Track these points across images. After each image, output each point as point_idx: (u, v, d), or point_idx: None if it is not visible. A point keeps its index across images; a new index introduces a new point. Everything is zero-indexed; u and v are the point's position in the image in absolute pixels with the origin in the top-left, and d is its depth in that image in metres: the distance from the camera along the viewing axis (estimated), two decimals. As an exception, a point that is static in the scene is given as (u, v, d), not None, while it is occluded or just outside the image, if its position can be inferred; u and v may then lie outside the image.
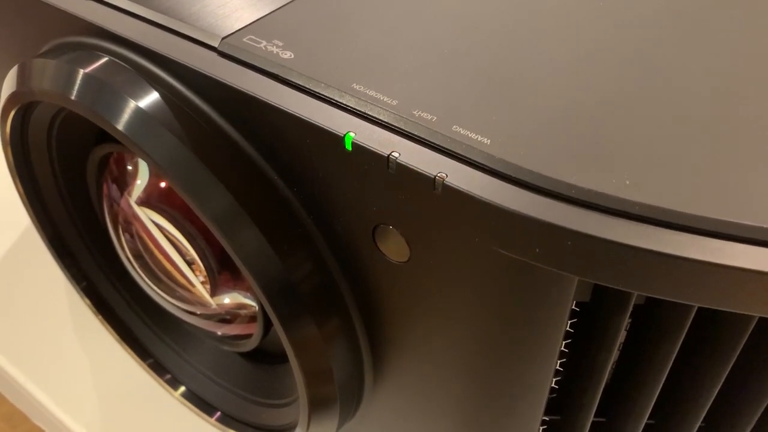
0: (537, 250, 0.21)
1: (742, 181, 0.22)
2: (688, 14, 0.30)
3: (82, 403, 0.44)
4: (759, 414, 0.26)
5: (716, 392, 0.26)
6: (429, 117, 0.24)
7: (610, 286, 0.22)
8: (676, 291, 0.21)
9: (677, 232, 0.20)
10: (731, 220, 0.21)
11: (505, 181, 0.22)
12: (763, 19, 0.30)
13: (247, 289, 0.35)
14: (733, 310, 0.22)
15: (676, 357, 0.25)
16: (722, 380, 0.25)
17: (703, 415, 0.27)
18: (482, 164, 0.22)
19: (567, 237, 0.21)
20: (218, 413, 0.40)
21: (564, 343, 0.27)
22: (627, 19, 0.29)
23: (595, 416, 0.28)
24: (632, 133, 0.23)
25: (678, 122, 0.24)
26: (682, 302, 0.22)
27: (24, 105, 0.33)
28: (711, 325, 0.25)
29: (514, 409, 0.28)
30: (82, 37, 0.31)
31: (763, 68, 0.27)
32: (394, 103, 0.24)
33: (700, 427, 0.28)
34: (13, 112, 0.33)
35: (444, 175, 0.22)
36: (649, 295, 0.22)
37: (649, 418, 0.28)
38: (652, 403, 0.26)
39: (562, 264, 0.21)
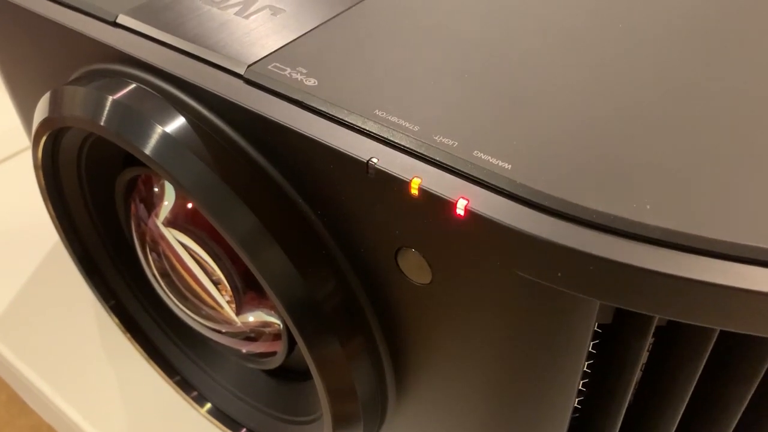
0: (559, 274, 0.22)
1: (764, 205, 0.22)
2: (708, 33, 0.30)
3: (110, 418, 0.45)
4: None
5: (740, 413, 0.26)
6: (450, 142, 0.24)
7: (632, 309, 0.22)
8: (697, 315, 0.21)
9: (697, 257, 0.21)
10: (753, 244, 0.21)
11: (527, 206, 0.22)
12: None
13: (271, 308, 0.35)
14: (754, 334, 0.22)
15: (699, 378, 0.25)
16: (746, 401, 0.25)
17: (727, 436, 0.27)
18: (503, 189, 0.22)
19: (589, 262, 0.21)
20: (243, 430, 0.40)
21: (586, 363, 0.27)
22: (645, 40, 0.30)
23: (618, 436, 0.28)
24: (652, 158, 0.23)
25: (698, 146, 0.24)
26: (704, 325, 0.22)
27: (55, 130, 0.34)
28: (734, 346, 0.25)
29: (537, 428, 0.28)
30: (110, 65, 0.31)
31: (784, 88, 0.27)
32: (416, 128, 0.25)
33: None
34: (44, 138, 0.34)
35: (466, 199, 0.22)
36: (670, 319, 0.22)
37: (672, 439, 0.28)
38: (676, 425, 0.26)
39: (584, 288, 0.22)
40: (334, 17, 0.31)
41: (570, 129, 0.25)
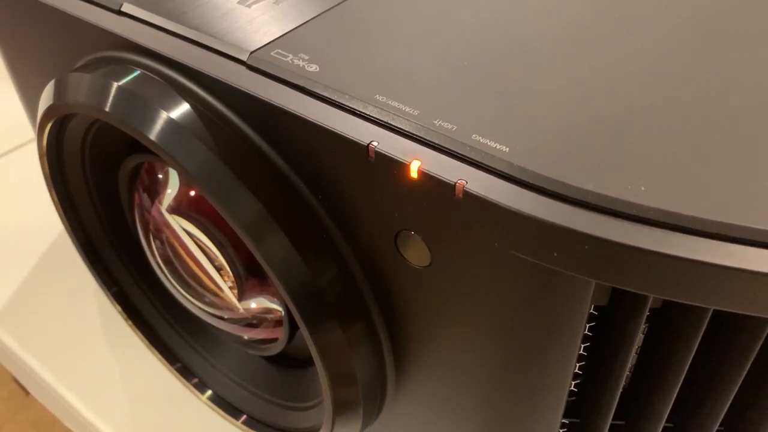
0: (555, 255, 0.22)
1: (757, 186, 0.23)
2: (707, 24, 0.31)
3: (112, 406, 0.45)
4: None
5: (733, 395, 0.26)
6: (449, 126, 0.24)
7: (627, 289, 0.22)
8: (691, 294, 0.22)
9: (691, 236, 0.21)
10: (745, 224, 0.21)
11: (524, 188, 0.22)
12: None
13: (273, 294, 0.36)
14: (748, 313, 0.22)
15: (694, 360, 0.25)
16: (739, 383, 0.25)
17: (720, 418, 0.27)
18: (501, 171, 0.23)
19: (584, 241, 0.21)
20: (244, 416, 0.41)
21: (582, 346, 0.28)
22: (644, 29, 0.30)
23: (613, 419, 0.28)
24: (647, 141, 0.24)
25: (693, 129, 0.24)
26: (698, 305, 0.22)
27: (60, 117, 0.34)
28: (728, 328, 0.25)
29: (534, 411, 0.28)
30: (115, 52, 0.32)
31: (778, 76, 0.27)
32: (416, 113, 0.25)
33: (718, 430, 0.28)
34: (49, 125, 0.34)
35: (464, 181, 0.23)
36: (665, 298, 0.23)
37: (667, 422, 0.28)
38: (670, 406, 0.27)
39: (580, 268, 0.22)
40: (335, 5, 0.31)
41: (567, 114, 0.25)
